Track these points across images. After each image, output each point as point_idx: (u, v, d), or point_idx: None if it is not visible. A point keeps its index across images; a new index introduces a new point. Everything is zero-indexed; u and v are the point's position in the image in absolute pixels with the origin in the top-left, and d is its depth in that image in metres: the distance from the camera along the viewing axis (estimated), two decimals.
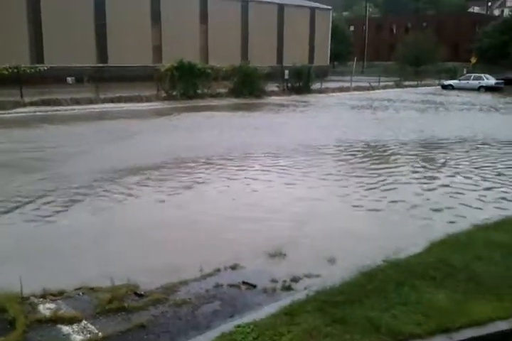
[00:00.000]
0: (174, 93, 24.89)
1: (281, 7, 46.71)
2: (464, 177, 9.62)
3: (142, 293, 4.61)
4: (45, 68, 25.03)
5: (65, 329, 3.95)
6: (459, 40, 66.53)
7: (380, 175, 9.75)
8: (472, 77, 38.00)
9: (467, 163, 10.97)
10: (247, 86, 27.40)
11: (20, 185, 8.54)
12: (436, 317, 3.93)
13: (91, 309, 4.29)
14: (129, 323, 4.07)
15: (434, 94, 34.12)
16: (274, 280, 4.95)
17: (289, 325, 3.77)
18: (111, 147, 12.40)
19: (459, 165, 10.72)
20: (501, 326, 3.94)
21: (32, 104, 20.43)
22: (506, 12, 78.87)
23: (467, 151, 12.39)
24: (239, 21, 43.16)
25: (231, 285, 4.84)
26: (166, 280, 4.87)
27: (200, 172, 9.75)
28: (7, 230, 6.44)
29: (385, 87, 36.75)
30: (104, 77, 29.77)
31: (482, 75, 37.98)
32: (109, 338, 3.84)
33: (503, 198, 8.13)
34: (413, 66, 52.05)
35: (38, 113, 19.28)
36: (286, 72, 30.61)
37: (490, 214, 7.08)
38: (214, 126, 16.27)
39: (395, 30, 77.74)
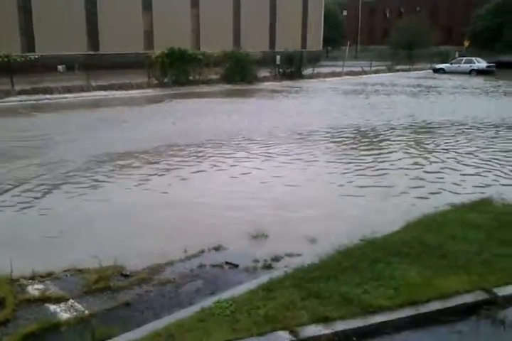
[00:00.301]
0: (165, 80, 24.89)
1: None
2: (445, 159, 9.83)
3: (128, 273, 4.80)
4: (36, 56, 24.93)
5: (53, 307, 4.14)
6: (453, 23, 66.31)
7: (368, 160, 9.88)
8: (463, 61, 38.06)
9: (453, 146, 11.16)
10: (238, 72, 27.41)
11: (12, 170, 8.73)
12: (406, 292, 4.14)
13: (78, 289, 4.48)
14: (114, 301, 4.27)
15: (426, 77, 34.22)
16: (255, 260, 5.15)
17: (265, 300, 3.98)
18: (101, 134, 12.52)
19: (446, 148, 10.91)
20: (466, 298, 4.16)
21: (23, 92, 20.43)
22: None
23: (453, 135, 12.52)
24: (231, 6, 42.85)
25: (214, 265, 5.03)
26: (152, 261, 5.07)
27: (189, 159, 9.91)
28: None
29: (376, 72, 36.79)
30: (96, 65, 29.58)
31: (473, 59, 38.03)
32: (95, 315, 4.03)
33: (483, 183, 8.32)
34: (406, 50, 51.93)
35: (29, 101, 19.31)
36: (278, 57, 30.58)
37: (468, 197, 7.26)
38: (205, 113, 16.37)
39: (388, 14, 77.36)
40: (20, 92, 20.39)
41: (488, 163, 9.55)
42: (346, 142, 11.61)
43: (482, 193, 7.41)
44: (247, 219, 6.38)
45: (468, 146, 11.12)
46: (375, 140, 12.03)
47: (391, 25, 60.27)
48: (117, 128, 13.40)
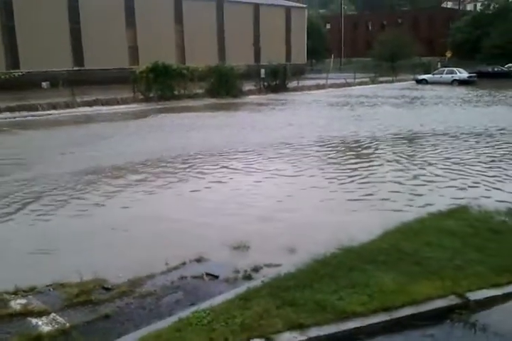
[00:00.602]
0: (151, 95, 25.06)
1: (256, 6, 46.99)
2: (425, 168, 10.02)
3: (109, 286, 4.87)
4: (20, 73, 24.99)
5: (35, 321, 4.20)
6: (434, 35, 67.52)
7: (353, 169, 10.02)
8: (445, 71, 38.73)
9: (434, 155, 11.38)
10: (223, 86, 27.66)
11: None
12: (379, 298, 4.26)
13: (60, 303, 4.54)
14: (95, 314, 4.34)
15: (409, 88, 34.72)
16: (236, 271, 5.23)
17: (242, 309, 4.07)
18: (84, 149, 12.57)
19: (427, 158, 11.12)
20: (439, 303, 4.28)
21: (8, 109, 20.43)
22: (479, 6, 79.93)
23: (435, 145, 12.71)
24: (214, 21, 43.34)
25: (195, 277, 5.11)
26: (134, 274, 5.13)
27: (175, 172, 10.01)
28: None
29: (360, 84, 37.27)
30: (81, 81, 29.75)
31: (455, 69, 38.72)
32: (75, 328, 4.10)
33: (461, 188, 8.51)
34: (389, 62, 52.75)
35: (13, 119, 19.32)
36: (263, 71, 30.93)
37: (444, 203, 7.42)
38: (190, 127, 16.50)
39: (370, 27, 78.55)
40: (5, 109, 20.39)
41: (469, 171, 9.74)
42: (331, 155, 11.70)
43: (460, 200, 7.59)
44: (230, 231, 6.48)
45: (449, 155, 11.31)
46: (359, 152, 12.15)
47: (374, 37, 61.22)
48: (101, 144, 13.45)
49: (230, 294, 4.40)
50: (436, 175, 9.39)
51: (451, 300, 4.32)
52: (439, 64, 46.36)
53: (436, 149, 12.05)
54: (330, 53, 63.31)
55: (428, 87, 35.96)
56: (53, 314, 4.32)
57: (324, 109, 22.31)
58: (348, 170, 9.98)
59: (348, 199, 7.95)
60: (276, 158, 11.27)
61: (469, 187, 8.55)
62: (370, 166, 10.36)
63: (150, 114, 20.34)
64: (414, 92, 31.21)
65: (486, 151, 11.70)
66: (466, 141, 13.22)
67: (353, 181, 9.11)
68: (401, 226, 6.13)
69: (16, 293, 4.74)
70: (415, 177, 9.32)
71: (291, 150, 12.12)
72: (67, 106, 21.80)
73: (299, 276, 4.67)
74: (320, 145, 12.82)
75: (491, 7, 56.46)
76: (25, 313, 4.32)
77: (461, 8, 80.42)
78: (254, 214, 7.21)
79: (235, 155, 11.73)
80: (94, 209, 7.66)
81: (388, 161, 10.81)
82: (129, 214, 7.34)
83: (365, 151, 12.11)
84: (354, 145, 12.97)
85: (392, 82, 40.39)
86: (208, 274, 5.15)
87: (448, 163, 10.41)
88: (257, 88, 30.75)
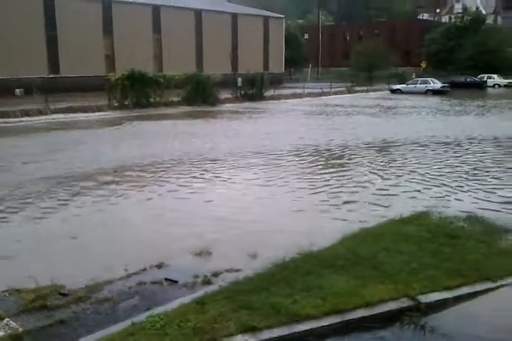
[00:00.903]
0: (126, 102, 24.98)
1: (234, 16, 47.30)
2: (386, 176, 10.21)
3: (66, 292, 4.85)
4: None
5: None
6: (410, 45, 68.81)
7: (324, 178, 10.11)
8: (419, 81, 39.49)
9: (402, 165, 11.59)
10: (200, 94, 27.74)
11: None
12: (333, 301, 4.34)
13: (15, 308, 4.51)
14: (49, 319, 4.32)
15: (384, 98, 35.26)
16: (196, 276, 5.26)
17: (197, 313, 4.11)
18: (54, 157, 12.48)
19: (397, 166, 11.32)
20: (391, 306, 4.38)
21: None
22: (453, 18, 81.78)
23: (403, 154, 12.93)
24: (193, 30, 43.47)
25: (154, 282, 5.13)
26: (93, 280, 5.13)
27: (139, 180, 10.00)
28: None
29: (336, 93, 37.72)
30: (56, 88, 29.53)
31: (429, 79, 39.51)
32: (29, 333, 4.08)
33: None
34: (366, 72, 53.52)
35: None
36: (239, 79, 31.13)
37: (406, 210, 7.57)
38: (163, 134, 16.50)
39: (348, 38, 79.69)
40: None
41: (437, 178, 9.93)
42: (303, 164, 11.79)
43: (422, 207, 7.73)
44: (192, 237, 6.50)
45: (422, 164, 11.53)
46: (331, 161, 12.22)
47: (351, 47, 62.12)
48: (71, 151, 13.36)
49: (186, 298, 4.43)
50: (402, 185, 9.56)
51: (403, 303, 4.43)
52: (413, 74, 47.26)
53: (405, 158, 12.27)
54: (308, 63, 64.14)
55: (402, 96, 36.59)
56: (7, 319, 4.29)
57: (300, 118, 22.53)
58: (319, 179, 10.05)
59: (316, 205, 8.04)
60: (247, 167, 11.34)
61: (431, 196, 8.73)
62: (340, 175, 10.50)
63: (124, 122, 20.27)
64: (389, 102, 31.72)
65: (452, 160, 11.97)
66: (433, 150, 13.47)
67: (321, 189, 9.20)
68: (361, 231, 6.25)
69: None
70: (383, 185, 9.48)
71: (262, 160, 12.18)
72: (40, 113, 21.59)
73: (257, 280, 4.73)
74: (293, 155, 12.93)
75: (464, 19, 57.81)
76: None
77: (436, 19, 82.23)
78: (219, 222, 7.24)
79: (205, 164, 11.74)
80: (51, 215, 7.60)
81: (359, 170, 10.97)
82: (94, 220, 7.31)
83: (337, 160, 12.22)
84: (327, 153, 13.10)
85: (367, 91, 40.96)
86: (167, 279, 5.17)
87: (415, 172, 10.62)
88: (233, 96, 30.91)
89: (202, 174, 10.51)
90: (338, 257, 5.33)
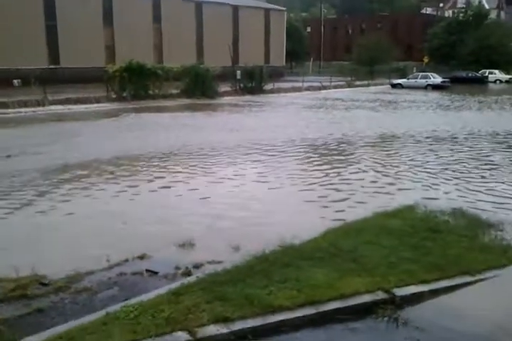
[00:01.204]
0: (124, 94, 24.96)
1: (235, 8, 47.16)
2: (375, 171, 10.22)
3: (47, 282, 4.89)
4: None
5: None
6: (412, 40, 68.52)
7: (320, 171, 10.12)
8: (420, 76, 39.37)
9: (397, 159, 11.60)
10: (199, 86, 27.68)
11: None
12: (308, 292, 4.38)
13: None
14: (28, 308, 4.37)
15: (384, 92, 35.18)
16: (177, 267, 5.30)
17: (172, 304, 4.15)
18: (51, 148, 12.51)
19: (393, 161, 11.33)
20: (366, 298, 4.42)
21: None
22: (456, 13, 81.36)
23: (397, 150, 12.94)
24: (193, 22, 43.37)
25: (134, 273, 5.17)
26: (75, 271, 5.16)
27: (126, 173, 10.05)
28: None
29: (336, 87, 37.63)
30: (56, 79, 29.54)
31: (429, 74, 39.40)
32: (6, 321, 4.13)
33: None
34: (367, 66, 53.35)
35: None
36: (238, 72, 31.06)
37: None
38: (160, 126, 16.51)
39: (350, 31, 79.29)
40: None
41: (430, 174, 9.95)
42: (299, 157, 11.80)
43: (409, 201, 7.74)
44: (176, 229, 6.55)
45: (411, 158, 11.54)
46: (328, 154, 12.19)
47: (353, 41, 61.86)
48: (66, 143, 13.40)
49: (163, 289, 4.47)
50: (396, 178, 9.58)
51: (378, 296, 4.46)
52: (414, 69, 47.08)
53: (399, 153, 12.28)
54: (309, 56, 63.95)
55: (403, 91, 36.49)
56: None
57: (299, 112, 22.49)
58: (315, 172, 10.05)
59: (305, 201, 8.04)
60: (243, 159, 11.37)
61: (425, 188, 8.75)
62: (338, 170, 10.49)
63: (121, 114, 20.28)
64: (389, 96, 31.64)
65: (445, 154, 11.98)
66: (428, 145, 13.47)
67: (314, 183, 9.19)
68: (344, 225, 6.27)
69: None
70: (377, 178, 9.49)
71: (259, 152, 12.20)
72: (38, 104, 21.59)
73: (234, 272, 4.76)
74: (290, 147, 12.94)
75: (467, 14, 57.50)
76: None
77: (439, 14, 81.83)
78: (205, 214, 7.28)
79: (200, 155, 11.77)
80: (34, 207, 7.63)
81: (354, 164, 10.99)
82: (83, 212, 7.36)
83: (335, 154, 12.21)
84: (323, 147, 13.10)
85: (368, 85, 40.86)
86: (147, 270, 5.21)
87: (409, 165, 10.64)
88: (232, 89, 30.86)
89: (196, 166, 10.54)
90: (318, 250, 5.36)
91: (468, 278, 4.98)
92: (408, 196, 8.13)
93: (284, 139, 14.07)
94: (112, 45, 37.41)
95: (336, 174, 9.91)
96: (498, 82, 47.03)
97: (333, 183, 9.14)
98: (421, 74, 40.29)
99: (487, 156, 11.79)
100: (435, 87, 37.38)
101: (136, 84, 25.10)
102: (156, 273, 5.17)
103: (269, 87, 32.24)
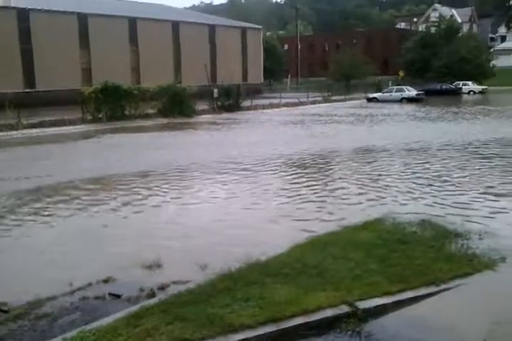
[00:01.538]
0: (100, 115, 24.88)
1: (212, 28, 47.67)
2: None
3: (7, 309, 4.78)
4: None
5: None
6: (388, 54, 69.82)
7: (293, 188, 10.15)
8: (395, 90, 39.99)
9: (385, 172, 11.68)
10: (176, 106, 27.75)
11: None
12: (271, 309, 4.33)
13: None
14: None
15: (360, 107, 35.58)
16: (141, 290, 5.22)
17: (130, 327, 4.07)
18: (15, 173, 12.35)
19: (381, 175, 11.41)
20: (329, 313, 4.39)
21: None
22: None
23: (369, 162, 13.02)
24: (170, 42, 43.69)
25: (97, 297, 5.07)
26: (37, 296, 5.05)
27: (95, 193, 9.95)
28: None
29: (313, 102, 38.01)
30: (31, 103, 29.38)
31: (404, 87, 40.06)
32: None
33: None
34: (344, 81, 54.12)
35: None
36: (215, 90, 31.24)
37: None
38: (134, 146, 16.44)
39: (327, 47, 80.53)
40: None
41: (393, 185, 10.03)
42: (273, 173, 11.80)
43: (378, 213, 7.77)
44: (141, 249, 6.46)
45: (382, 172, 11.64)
46: (304, 170, 12.19)
47: (330, 57, 62.79)
48: (36, 166, 13.24)
49: (123, 312, 4.39)
50: (365, 192, 9.63)
51: (341, 310, 4.43)
52: (390, 83, 47.85)
53: (374, 166, 12.38)
54: (287, 73, 64.69)
55: (378, 105, 36.96)
56: None
57: (276, 128, 22.56)
58: (287, 189, 10.04)
59: (277, 215, 8.02)
60: (215, 178, 11.35)
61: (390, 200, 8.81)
62: (308, 185, 10.54)
63: (96, 135, 20.17)
64: (364, 111, 31.99)
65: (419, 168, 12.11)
66: (401, 157, 13.60)
67: (287, 198, 9.19)
68: (311, 239, 6.26)
69: None
70: (349, 192, 9.54)
71: (233, 170, 12.20)
72: (11, 128, 21.37)
73: (198, 292, 4.71)
74: (263, 164, 12.95)
75: (439, 28, 58.86)
76: None
77: (413, 28, 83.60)
78: (171, 234, 7.22)
79: (171, 175, 11.72)
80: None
81: (333, 177, 11.03)
82: (50, 235, 7.24)
83: (310, 169, 12.24)
84: (298, 163, 13.12)
85: (344, 100, 41.35)
86: (110, 294, 5.12)
87: (377, 178, 10.72)
88: (210, 108, 30.99)
89: (164, 186, 10.48)
90: (284, 266, 5.33)
91: (433, 289, 4.98)
92: (378, 208, 8.17)
93: (258, 156, 14.08)
94: (88, 67, 37.45)
95: (308, 189, 9.93)
96: (472, 93, 48.01)
97: (305, 198, 9.15)
98: (396, 87, 40.95)
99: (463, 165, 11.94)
100: (410, 100, 37.96)
101: (111, 105, 25.05)
102: (119, 296, 5.08)
103: (246, 104, 32.45)
